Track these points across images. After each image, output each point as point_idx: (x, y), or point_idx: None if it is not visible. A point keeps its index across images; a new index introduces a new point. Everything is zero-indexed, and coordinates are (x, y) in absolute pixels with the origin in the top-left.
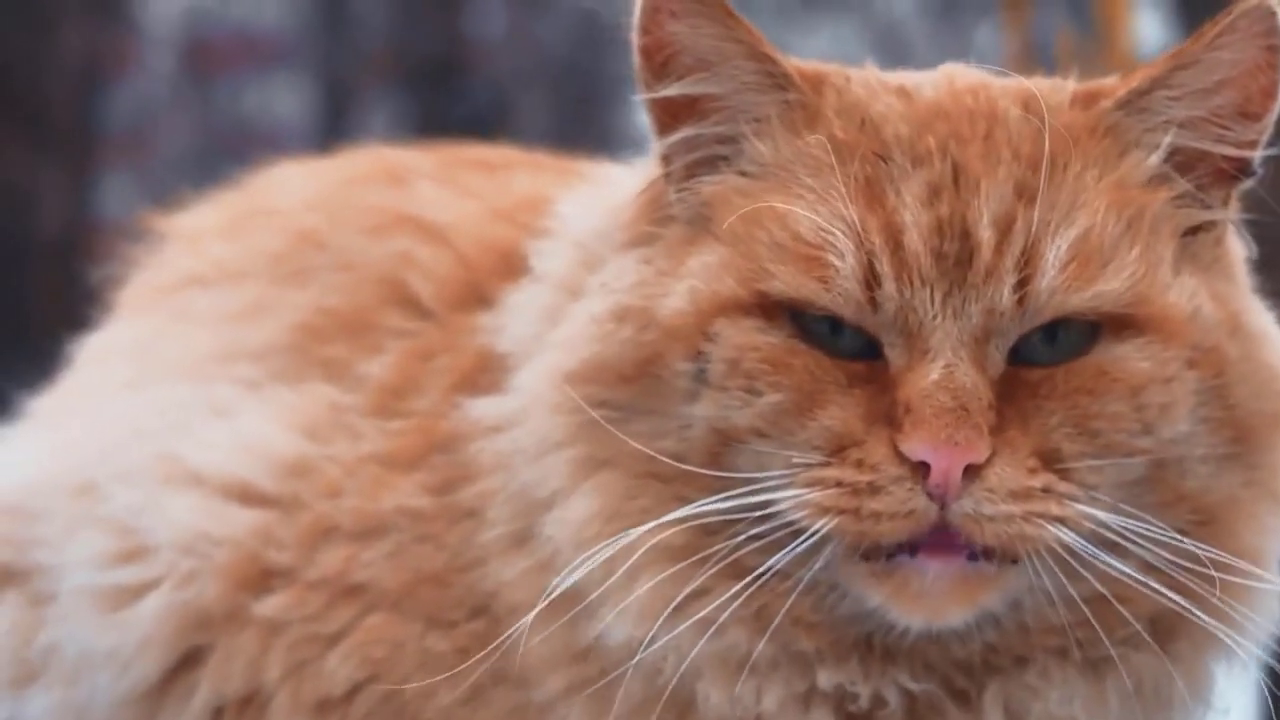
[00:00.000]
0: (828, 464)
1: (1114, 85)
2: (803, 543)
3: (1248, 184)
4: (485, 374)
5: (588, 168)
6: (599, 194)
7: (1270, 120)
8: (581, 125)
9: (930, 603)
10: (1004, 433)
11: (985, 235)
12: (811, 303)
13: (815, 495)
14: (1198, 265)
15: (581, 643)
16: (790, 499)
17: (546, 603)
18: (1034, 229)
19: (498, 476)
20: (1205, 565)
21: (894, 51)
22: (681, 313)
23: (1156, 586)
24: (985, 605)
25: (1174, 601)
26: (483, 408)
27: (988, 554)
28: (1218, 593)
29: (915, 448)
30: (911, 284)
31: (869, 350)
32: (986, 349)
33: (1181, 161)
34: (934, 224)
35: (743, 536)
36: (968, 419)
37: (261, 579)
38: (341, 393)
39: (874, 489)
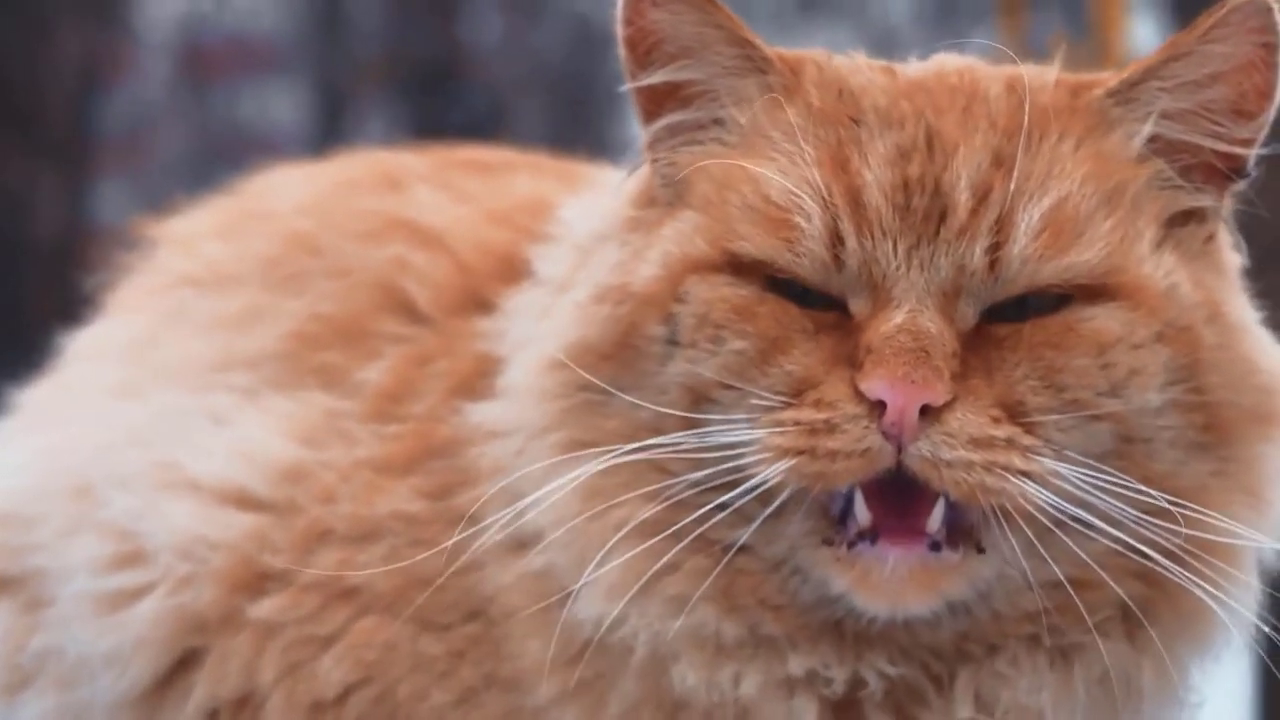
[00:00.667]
0: (788, 405)
1: (1106, 77)
2: (758, 489)
3: (1241, 183)
4: (484, 379)
5: (591, 172)
6: (600, 198)
7: (1266, 120)
8: (577, 130)
9: (892, 590)
10: (967, 381)
11: (962, 197)
12: (776, 263)
13: (774, 438)
14: (1184, 253)
15: (575, 646)
16: (750, 443)
17: (510, 542)
18: (1009, 197)
19: (496, 481)
20: (1176, 521)
21: (889, 56)
22: (655, 278)
23: (1133, 543)
24: (950, 594)
25: (1151, 560)
26: (482, 413)
27: (951, 540)
28: (1189, 550)
29: (872, 385)
30: (872, 237)
31: (840, 307)
32: (956, 303)
33: (1167, 150)
34: (899, 181)
35: (711, 505)
36: (927, 360)
37: (257, 582)
38: (338, 399)
39: (830, 427)
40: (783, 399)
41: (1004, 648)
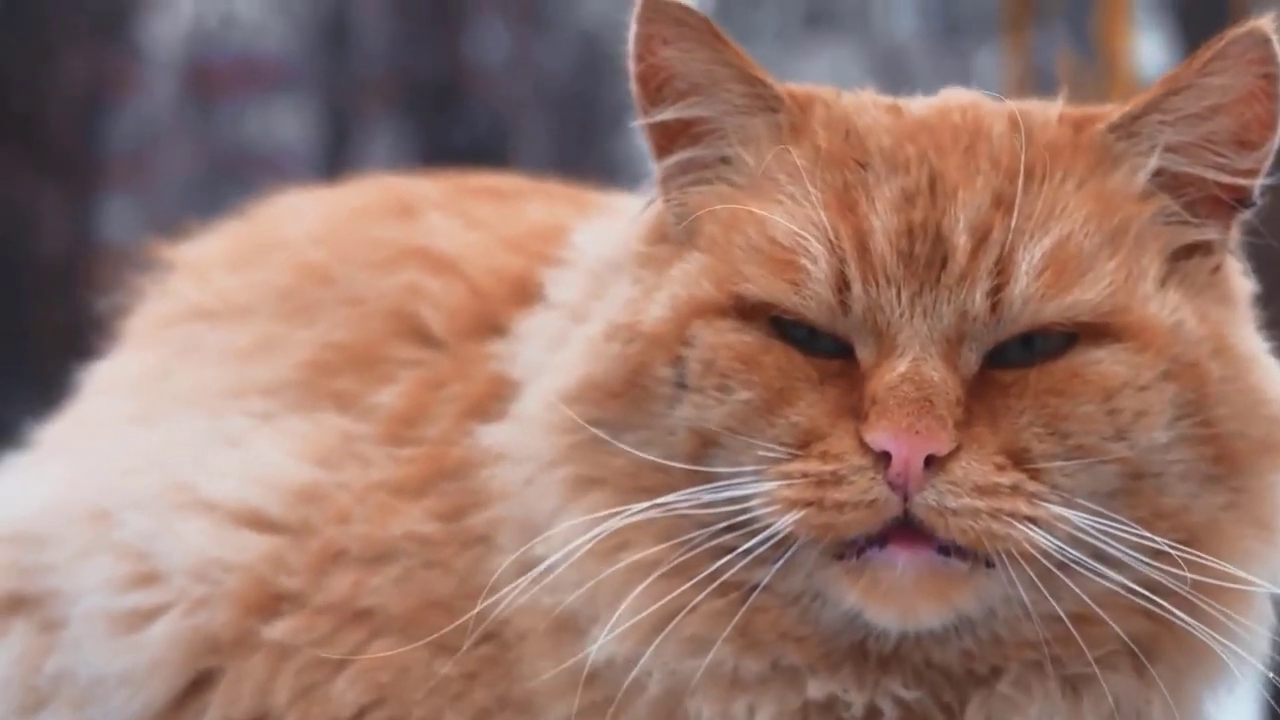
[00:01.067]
0: (794, 457)
1: (1109, 110)
2: (770, 540)
3: (1247, 213)
4: (497, 401)
5: (604, 198)
6: (614, 224)
7: (1270, 150)
8: (583, 151)
9: (902, 599)
10: (971, 428)
11: (960, 240)
12: (782, 304)
13: (782, 490)
14: (1189, 286)
15: (587, 668)
16: (759, 495)
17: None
18: (1009, 237)
19: (507, 503)
20: (1181, 566)
21: (895, 75)
22: (662, 320)
23: (1137, 589)
24: (959, 606)
25: (1157, 604)
26: (493, 435)
27: (959, 551)
28: (1197, 595)
29: (877, 437)
30: (877, 284)
31: (845, 352)
32: (959, 350)
33: (1171, 184)
34: (904, 227)
35: (732, 554)
36: (931, 410)
37: (271, 604)
38: (352, 422)
39: (837, 479)
40: (789, 450)
41: (1007, 670)
